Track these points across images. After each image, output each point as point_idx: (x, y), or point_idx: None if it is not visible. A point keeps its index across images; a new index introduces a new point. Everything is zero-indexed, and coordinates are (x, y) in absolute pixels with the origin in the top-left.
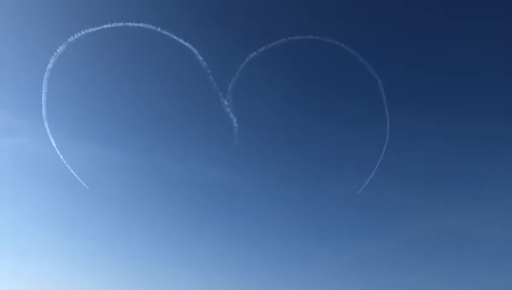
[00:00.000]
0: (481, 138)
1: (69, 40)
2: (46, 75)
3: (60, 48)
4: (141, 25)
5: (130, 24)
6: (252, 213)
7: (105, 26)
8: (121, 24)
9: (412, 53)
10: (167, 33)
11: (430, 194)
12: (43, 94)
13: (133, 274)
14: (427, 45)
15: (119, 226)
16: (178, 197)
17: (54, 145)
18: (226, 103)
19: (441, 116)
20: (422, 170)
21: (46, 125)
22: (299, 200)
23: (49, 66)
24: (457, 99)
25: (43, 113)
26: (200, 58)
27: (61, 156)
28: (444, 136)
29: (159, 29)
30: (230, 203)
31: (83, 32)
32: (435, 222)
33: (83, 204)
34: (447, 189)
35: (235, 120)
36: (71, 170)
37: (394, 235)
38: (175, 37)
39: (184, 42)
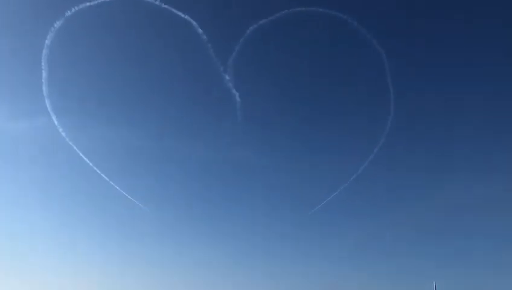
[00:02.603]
0: (491, 121)
1: (66, 14)
2: (45, 51)
3: (57, 22)
4: None
5: None
6: (257, 189)
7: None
8: None
9: (418, 28)
10: (166, 6)
11: (436, 175)
12: (43, 71)
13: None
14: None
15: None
16: (179, 173)
17: (56, 123)
18: (227, 77)
19: (448, 100)
20: (427, 151)
21: (48, 103)
22: (303, 174)
23: (47, 41)
24: (466, 82)
25: (44, 90)
26: (200, 31)
27: (63, 134)
28: (450, 119)
29: (157, 2)
30: (235, 179)
31: (80, 6)
32: (441, 203)
33: (85, 182)
34: (453, 170)
35: (237, 95)
36: (74, 147)
37: (396, 216)
38: (174, 10)
39: (183, 15)
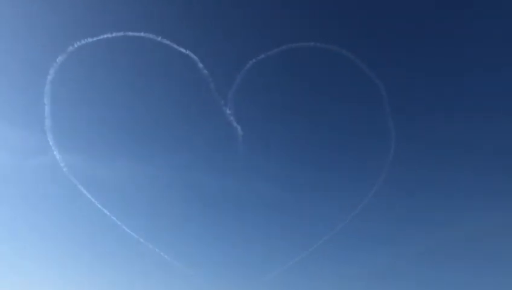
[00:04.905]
0: (493, 146)
1: (69, 49)
2: (48, 86)
3: (60, 57)
4: (141, 34)
5: (130, 34)
6: (259, 222)
7: (105, 35)
8: (121, 34)
9: (415, 58)
10: (168, 42)
11: (442, 203)
12: (45, 106)
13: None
14: (430, 49)
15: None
16: (182, 207)
17: (58, 158)
18: (228, 111)
19: (449, 124)
20: (433, 178)
21: (50, 139)
22: (306, 208)
23: (50, 77)
24: (467, 104)
25: (46, 126)
26: (201, 66)
27: (64, 169)
28: (454, 144)
29: (159, 38)
30: (236, 212)
31: (82, 42)
32: (449, 232)
33: (85, 214)
34: (459, 198)
35: (239, 128)
36: (76, 183)
37: (407, 245)
38: (175, 46)
39: (185, 50)
